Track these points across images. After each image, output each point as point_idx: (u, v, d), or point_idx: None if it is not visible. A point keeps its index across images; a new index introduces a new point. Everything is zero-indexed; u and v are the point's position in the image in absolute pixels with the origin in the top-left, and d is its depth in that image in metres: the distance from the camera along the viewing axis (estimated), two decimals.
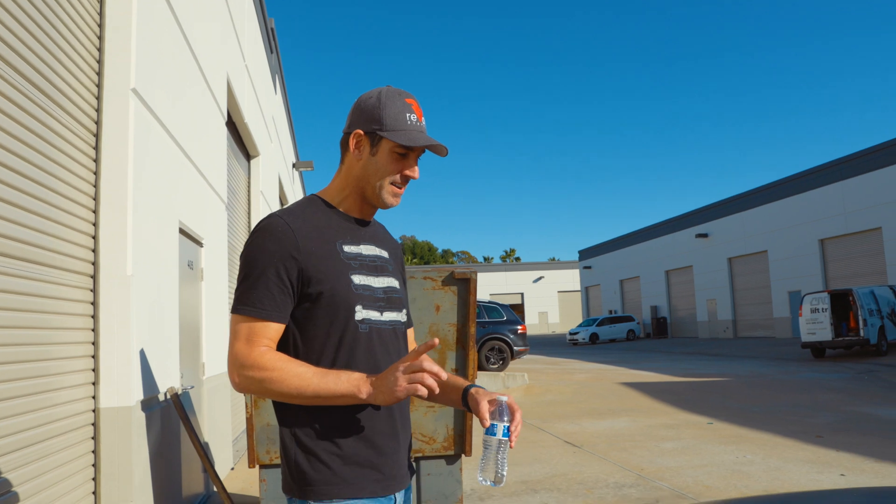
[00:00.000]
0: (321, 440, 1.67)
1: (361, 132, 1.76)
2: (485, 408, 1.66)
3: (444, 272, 3.91)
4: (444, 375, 1.57)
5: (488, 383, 14.83)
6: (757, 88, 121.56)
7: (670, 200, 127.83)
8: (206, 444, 5.89)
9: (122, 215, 3.86)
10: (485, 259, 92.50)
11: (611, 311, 49.11)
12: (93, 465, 3.74)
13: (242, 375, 1.63)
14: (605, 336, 39.22)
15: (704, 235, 38.40)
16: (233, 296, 1.93)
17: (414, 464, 1.94)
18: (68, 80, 3.57)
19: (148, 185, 4.25)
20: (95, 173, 3.87)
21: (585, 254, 56.51)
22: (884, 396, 11.97)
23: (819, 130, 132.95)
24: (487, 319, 17.77)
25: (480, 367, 17.27)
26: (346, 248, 1.76)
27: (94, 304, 3.80)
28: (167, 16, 4.86)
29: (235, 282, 1.98)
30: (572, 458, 7.54)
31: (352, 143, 1.78)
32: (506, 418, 1.64)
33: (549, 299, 67.57)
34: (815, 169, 30.28)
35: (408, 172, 1.78)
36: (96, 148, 3.90)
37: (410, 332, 2.02)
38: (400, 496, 1.76)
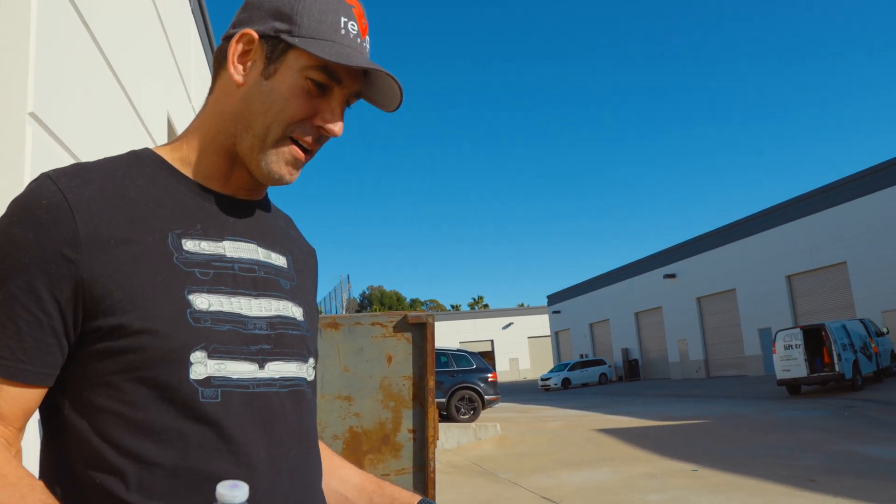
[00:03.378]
0: None
1: (254, 33, 0.96)
2: None
3: (395, 317, 3.35)
4: None
5: (460, 435, 14.13)
6: (716, 124, 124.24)
7: (637, 242, 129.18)
8: None
9: None
10: (453, 307, 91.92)
11: (581, 356, 48.61)
12: None
13: None
14: (577, 381, 38.71)
15: (672, 276, 38.38)
16: None
17: None
18: None
19: None
20: None
21: (554, 298, 56.25)
22: (869, 433, 11.56)
23: (779, 167, 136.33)
24: (456, 368, 17.18)
25: (451, 419, 16.56)
26: (189, 245, 0.93)
27: None
28: (87, 44, 4.34)
29: None
30: None
31: (233, 50, 0.97)
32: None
33: (520, 345, 66.95)
34: (778, 206, 30.55)
35: (323, 123, 0.96)
36: None
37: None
38: None
